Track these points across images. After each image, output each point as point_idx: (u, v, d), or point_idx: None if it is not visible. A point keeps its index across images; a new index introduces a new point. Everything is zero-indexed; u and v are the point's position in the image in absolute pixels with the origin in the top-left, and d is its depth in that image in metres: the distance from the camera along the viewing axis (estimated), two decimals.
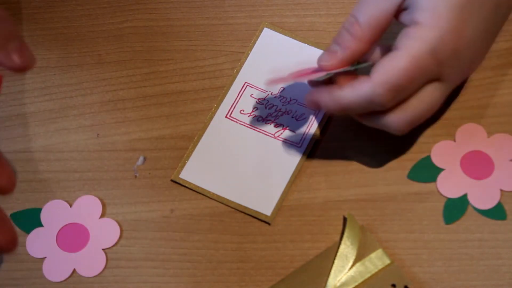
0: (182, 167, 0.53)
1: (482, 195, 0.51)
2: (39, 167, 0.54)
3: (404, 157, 0.53)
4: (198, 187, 0.52)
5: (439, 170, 0.52)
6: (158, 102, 0.56)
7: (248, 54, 0.57)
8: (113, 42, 0.59)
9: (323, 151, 0.54)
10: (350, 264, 0.48)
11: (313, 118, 0.55)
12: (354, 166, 0.53)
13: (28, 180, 0.54)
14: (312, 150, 0.54)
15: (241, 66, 0.57)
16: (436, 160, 0.52)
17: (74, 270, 0.50)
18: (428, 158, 0.53)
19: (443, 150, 0.53)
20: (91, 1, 0.61)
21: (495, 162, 0.52)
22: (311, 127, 0.54)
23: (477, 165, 0.52)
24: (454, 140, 0.53)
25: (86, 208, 0.52)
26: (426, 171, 0.52)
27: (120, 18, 0.60)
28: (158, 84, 0.57)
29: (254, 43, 0.58)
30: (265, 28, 0.58)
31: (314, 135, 0.54)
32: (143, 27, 0.60)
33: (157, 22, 0.60)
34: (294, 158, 0.53)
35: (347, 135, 0.54)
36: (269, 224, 0.51)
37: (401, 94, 0.46)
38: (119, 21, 0.60)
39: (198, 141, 0.54)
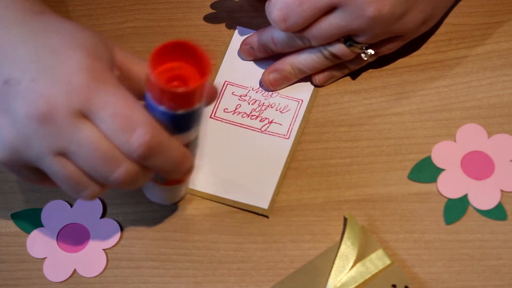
0: None
1: (483, 196, 0.51)
2: None
3: (405, 157, 0.53)
4: (192, 189, 0.52)
5: (439, 170, 0.52)
6: None
7: (224, 53, 0.58)
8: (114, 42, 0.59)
9: (323, 152, 0.54)
10: (351, 264, 0.48)
11: (298, 108, 0.55)
12: (355, 167, 0.53)
13: None
14: (302, 141, 0.54)
15: (219, 66, 0.57)
16: (437, 161, 0.52)
17: (75, 271, 0.50)
18: (428, 158, 0.53)
19: (444, 151, 0.53)
20: (92, 1, 0.61)
21: (496, 162, 0.52)
22: (296, 117, 0.55)
23: (478, 165, 0.52)
24: (455, 141, 0.53)
25: (87, 208, 0.52)
26: (427, 172, 0.52)
27: (121, 18, 0.60)
28: None
29: (229, 42, 0.58)
30: (237, 27, 0.59)
31: (300, 125, 0.54)
32: (143, 27, 0.60)
33: (158, 22, 0.60)
34: (283, 150, 0.54)
35: (348, 136, 0.54)
36: (267, 217, 0.51)
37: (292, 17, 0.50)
38: (120, 21, 0.60)
39: None
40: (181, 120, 0.40)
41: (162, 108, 0.39)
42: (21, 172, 0.42)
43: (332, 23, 0.50)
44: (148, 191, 0.51)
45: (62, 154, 0.39)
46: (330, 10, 0.50)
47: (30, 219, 0.52)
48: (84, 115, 0.39)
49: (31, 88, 0.39)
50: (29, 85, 0.39)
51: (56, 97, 0.38)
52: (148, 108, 0.40)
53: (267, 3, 0.51)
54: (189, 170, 0.43)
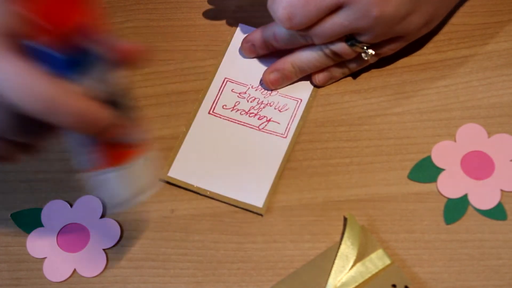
0: (169, 165, 0.53)
1: (483, 195, 0.51)
2: (40, 167, 0.54)
3: (405, 157, 0.53)
4: (188, 184, 0.52)
5: (439, 170, 0.52)
6: (159, 102, 0.56)
7: (225, 50, 0.58)
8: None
9: (323, 151, 0.54)
10: (351, 264, 0.48)
11: (296, 108, 0.55)
12: (355, 166, 0.53)
13: (28, 180, 0.54)
14: (302, 141, 0.54)
15: (219, 62, 0.57)
16: (437, 160, 0.52)
17: (75, 270, 0.50)
18: (428, 158, 0.53)
19: (444, 150, 0.53)
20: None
21: (496, 162, 0.52)
22: (295, 116, 0.55)
23: (478, 165, 0.52)
24: (455, 140, 0.53)
25: (87, 208, 0.52)
26: (427, 171, 0.52)
27: (121, 18, 0.60)
28: (159, 84, 0.57)
29: (231, 39, 0.58)
30: (239, 24, 0.59)
31: (298, 124, 0.54)
32: (143, 27, 0.60)
33: (158, 22, 0.60)
34: (280, 149, 0.54)
35: (348, 136, 0.54)
36: (261, 215, 0.51)
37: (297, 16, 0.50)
38: (120, 21, 0.60)
39: (183, 139, 0.54)
40: (71, 60, 0.38)
41: (47, 49, 0.37)
42: None
43: (335, 22, 0.50)
44: (102, 188, 0.43)
45: None
46: (335, 9, 0.50)
47: (30, 219, 0.52)
48: None
49: None
50: None
51: None
52: (38, 57, 0.37)
53: (270, 2, 0.51)
54: (103, 125, 0.39)
